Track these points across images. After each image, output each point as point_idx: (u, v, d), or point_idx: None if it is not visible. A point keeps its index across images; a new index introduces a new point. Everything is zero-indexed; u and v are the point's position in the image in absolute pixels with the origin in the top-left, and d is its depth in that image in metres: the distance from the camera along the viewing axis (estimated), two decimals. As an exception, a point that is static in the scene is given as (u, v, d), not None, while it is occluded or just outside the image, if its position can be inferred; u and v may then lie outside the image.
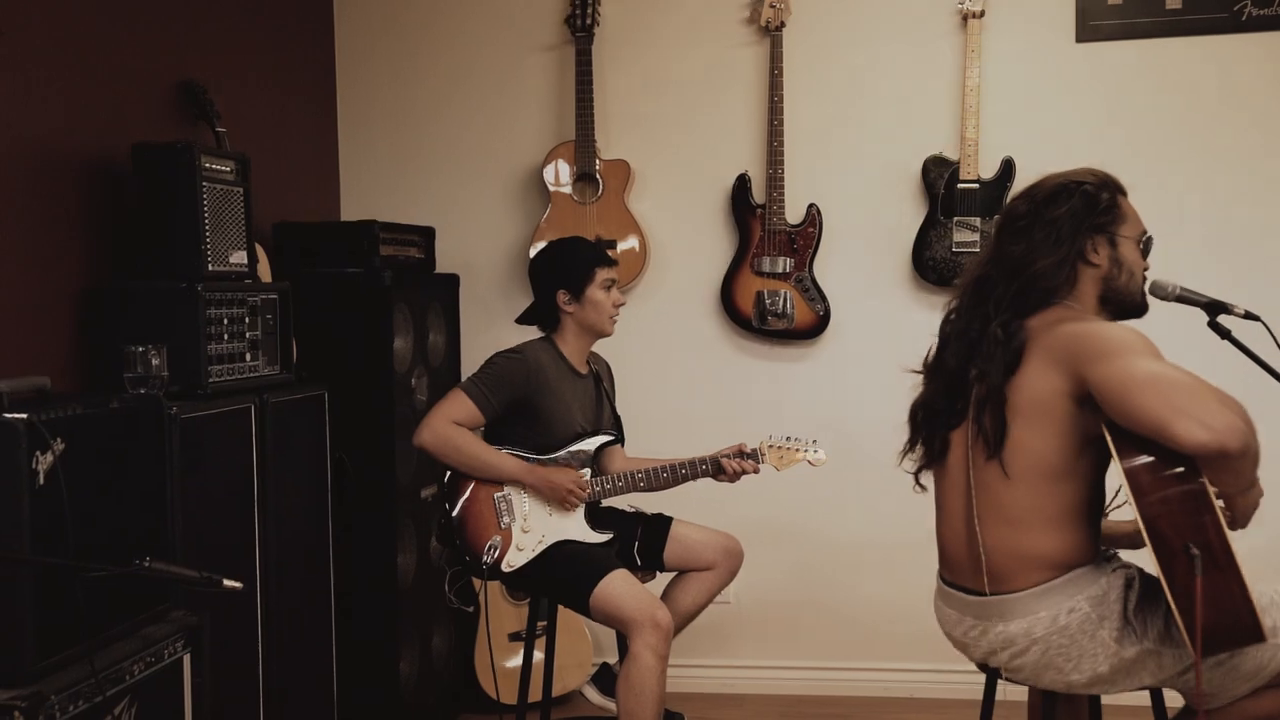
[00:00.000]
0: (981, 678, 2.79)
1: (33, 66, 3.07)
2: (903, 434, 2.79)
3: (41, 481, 2.34)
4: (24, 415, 2.33)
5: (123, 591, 2.59)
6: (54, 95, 3.16)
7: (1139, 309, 2.65)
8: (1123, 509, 2.62)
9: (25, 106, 3.05)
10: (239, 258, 3.38)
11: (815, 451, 3.58)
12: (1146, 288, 2.67)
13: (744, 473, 3.54)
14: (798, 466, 3.57)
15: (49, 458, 2.35)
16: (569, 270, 3.54)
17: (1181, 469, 2.29)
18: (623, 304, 3.60)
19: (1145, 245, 2.65)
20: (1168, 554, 2.26)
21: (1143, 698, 2.73)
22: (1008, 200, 2.75)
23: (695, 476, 3.54)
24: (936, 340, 2.74)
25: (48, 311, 3.12)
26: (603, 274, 3.54)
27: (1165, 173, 4.23)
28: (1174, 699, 2.67)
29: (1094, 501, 2.55)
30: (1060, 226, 2.55)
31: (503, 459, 3.44)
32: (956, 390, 2.61)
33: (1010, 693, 2.75)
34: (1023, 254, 2.56)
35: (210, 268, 3.23)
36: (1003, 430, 2.50)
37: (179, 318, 3.12)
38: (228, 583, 2.33)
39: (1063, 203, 2.57)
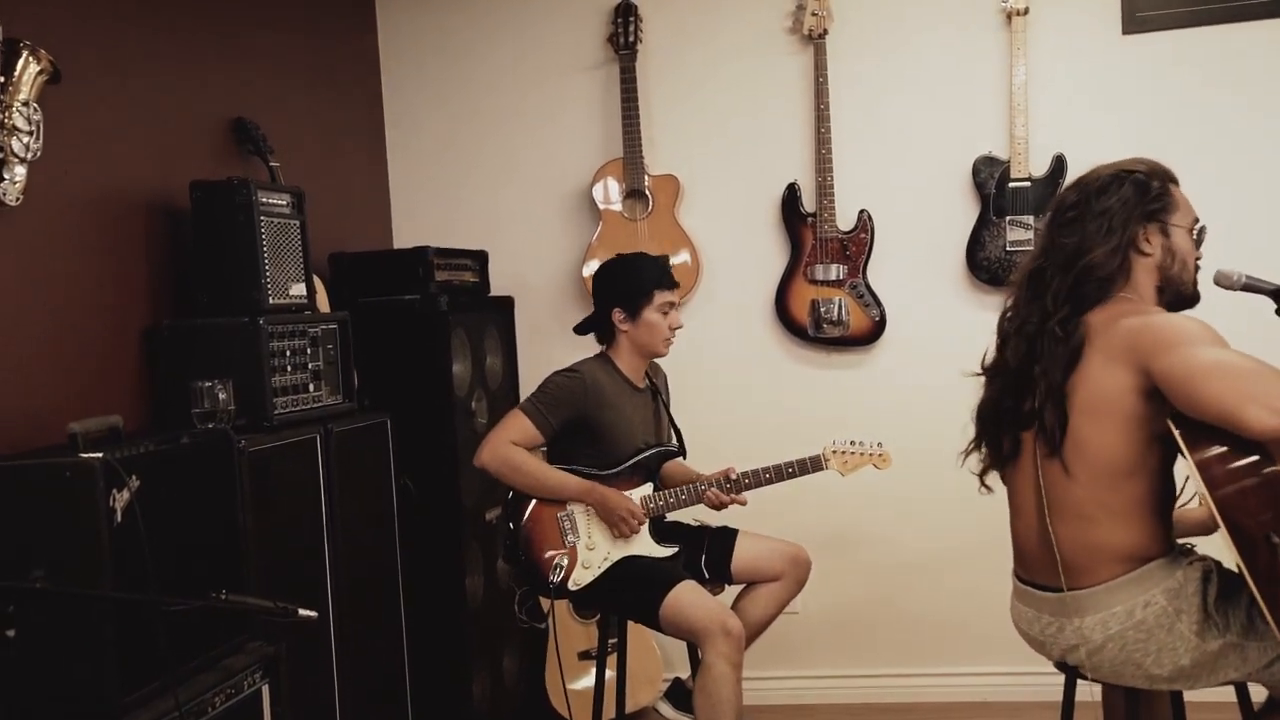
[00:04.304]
0: (1058, 679, 2.77)
1: (93, 111, 3.12)
2: (966, 436, 2.77)
3: (119, 519, 2.38)
4: (100, 455, 2.37)
5: (201, 624, 2.62)
6: (114, 138, 3.22)
7: (1192, 299, 2.63)
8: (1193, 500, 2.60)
9: (87, 149, 3.10)
10: (298, 290, 3.42)
11: (880, 455, 3.56)
12: (1213, 277, 2.65)
13: (725, 505, 3.50)
14: (863, 471, 3.55)
15: (125, 495, 2.39)
16: (627, 289, 3.54)
17: (1255, 458, 2.26)
18: (680, 327, 3.59)
19: (1199, 234, 2.62)
20: (1248, 545, 2.23)
21: (1227, 694, 2.69)
22: (1058, 193, 2.72)
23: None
24: (996, 339, 2.72)
25: (114, 350, 3.17)
26: (661, 297, 3.52)
27: (1220, 161, 4.17)
28: (1258, 693, 2.63)
29: (1165, 495, 2.53)
30: (1112, 216, 2.54)
31: (562, 478, 3.44)
32: (1022, 388, 2.59)
33: (1092, 693, 2.72)
34: (1076, 245, 2.54)
35: (271, 301, 3.27)
36: (1063, 427, 2.48)
37: (242, 352, 3.16)
38: (303, 612, 2.35)
39: (1113, 192, 2.56)
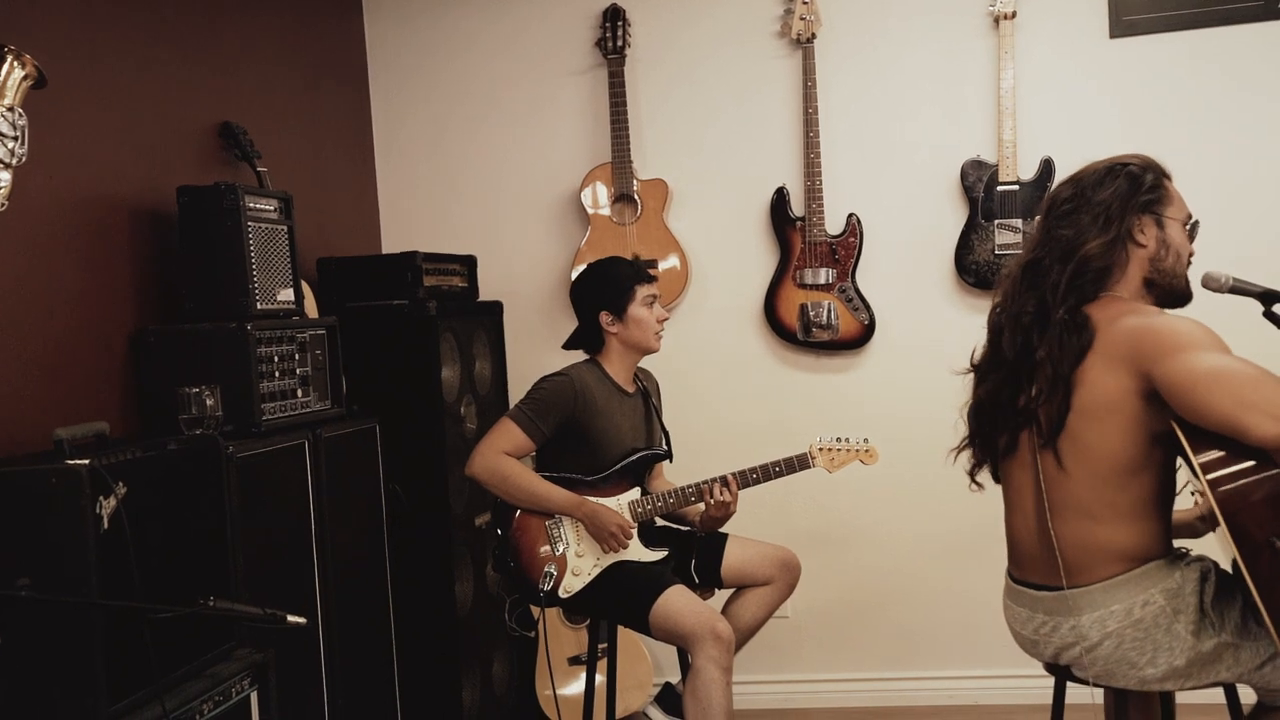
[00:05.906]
0: (1048, 682, 2.76)
1: (79, 115, 3.11)
2: (955, 436, 2.77)
3: (105, 526, 2.36)
4: (86, 461, 2.35)
5: (189, 631, 2.61)
6: (100, 143, 3.21)
7: (1185, 295, 2.63)
8: (1179, 497, 2.59)
9: (73, 154, 3.09)
10: (286, 295, 3.41)
11: (866, 450, 3.55)
12: (1200, 280, 2.64)
13: (722, 515, 3.48)
14: (850, 467, 3.54)
15: (112, 502, 2.38)
16: (609, 291, 3.53)
17: (1256, 460, 2.25)
18: (666, 319, 3.59)
19: (1192, 229, 2.63)
20: (1251, 548, 2.22)
21: (1215, 695, 2.69)
22: (1053, 188, 2.73)
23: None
24: (986, 335, 2.71)
25: (101, 355, 3.16)
26: (643, 291, 3.53)
27: (1207, 164, 4.18)
28: (1247, 695, 2.63)
29: (1166, 493, 2.52)
30: (1108, 207, 2.54)
31: (552, 491, 3.42)
32: (1020, 380, 2.58)
33: (1092, 696, 2.71)
34: (1073, 237, 2.54)
35: (259, 306, 3.26)
36: (1062, 418, 2.47)
37: (230, 357, 3.15)
38: (291, 619, 2.34)
39: (1109, 184, 2.56)
